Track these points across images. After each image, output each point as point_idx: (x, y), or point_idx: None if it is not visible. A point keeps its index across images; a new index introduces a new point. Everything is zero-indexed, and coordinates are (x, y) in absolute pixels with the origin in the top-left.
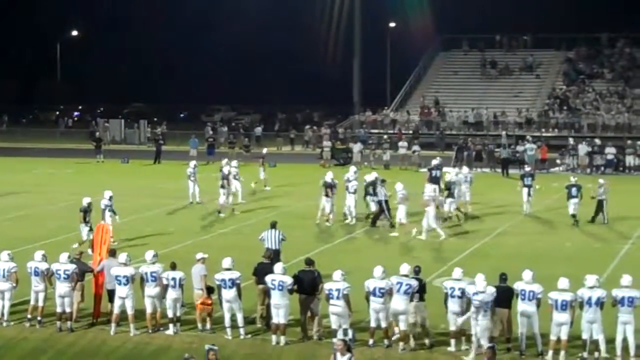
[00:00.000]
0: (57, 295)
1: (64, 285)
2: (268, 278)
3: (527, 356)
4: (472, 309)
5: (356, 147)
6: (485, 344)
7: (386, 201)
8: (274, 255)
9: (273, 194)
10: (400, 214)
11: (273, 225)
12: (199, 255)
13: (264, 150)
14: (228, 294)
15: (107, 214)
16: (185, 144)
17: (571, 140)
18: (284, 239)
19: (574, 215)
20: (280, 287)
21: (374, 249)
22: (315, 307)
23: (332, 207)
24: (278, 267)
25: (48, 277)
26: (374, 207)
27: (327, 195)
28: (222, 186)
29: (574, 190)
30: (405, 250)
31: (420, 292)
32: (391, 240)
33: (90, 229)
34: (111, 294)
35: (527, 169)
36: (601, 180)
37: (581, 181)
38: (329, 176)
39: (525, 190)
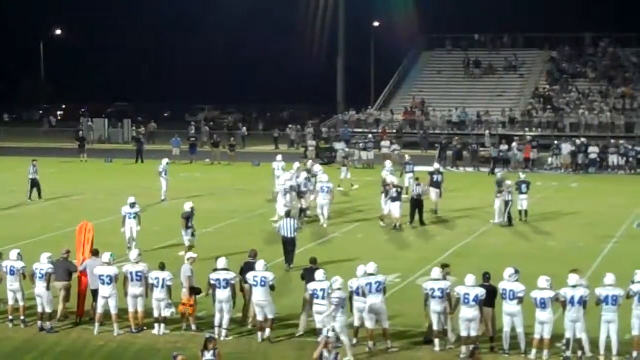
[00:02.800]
0: (36, 295)
1: (39, 285)
2: (250, 275)
3: (511, 355)
4: (332, 307)
5: (339, 147)
6: (345, 339)
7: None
8: (290, 244)
9: (259, 194)
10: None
11: (288, 214)
12: (189, 255)
13: (347, 151)
14: (222, 294)
15: (128, 221)
16: (169, 143)
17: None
18: (299, 227)
19: (523, 211)
20: (262, 283)
21: (356, 248)
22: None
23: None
24: (260, 264)
25: (29, 276)
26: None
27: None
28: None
29: (523, 187)
30: (388, 250)
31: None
32: (373, 239)
33: (193, 235)
34: (95, 294)
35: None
36: (508, 182)
37: (564, 181)
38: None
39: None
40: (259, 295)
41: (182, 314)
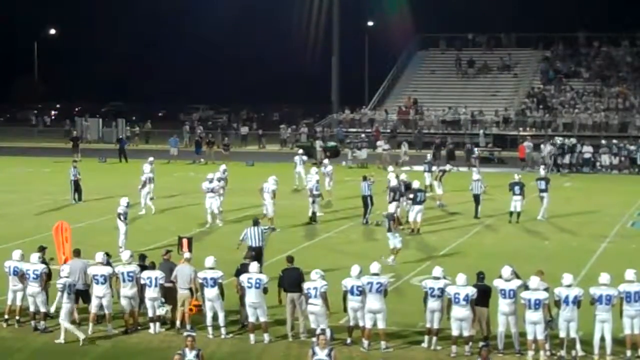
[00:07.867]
0: (28, 295)
1: (33, 285)
2: (243, 277)
3: (505, 354)
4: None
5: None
6: (67, 325)
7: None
8: (257, 253)
9: (251, 193)
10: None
11: (255, 223)
12: (187, 255)
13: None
14: (210, 292)
15: (119, 221)
16: (163, 142)
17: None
18: (266, 234)
19: (515, 213)
20: (257, 285)
21: (350, 248)
22: (300, 306)
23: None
24: (253, 265)
25: (19, 276)
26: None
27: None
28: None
29: (516, 189)
30: (382, 250)
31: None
32: (367, 238)
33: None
34: (76, 294)
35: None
36: (476, 176)
37: (558, 180)
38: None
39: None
40: (252, 297)
41: (191, 315)
